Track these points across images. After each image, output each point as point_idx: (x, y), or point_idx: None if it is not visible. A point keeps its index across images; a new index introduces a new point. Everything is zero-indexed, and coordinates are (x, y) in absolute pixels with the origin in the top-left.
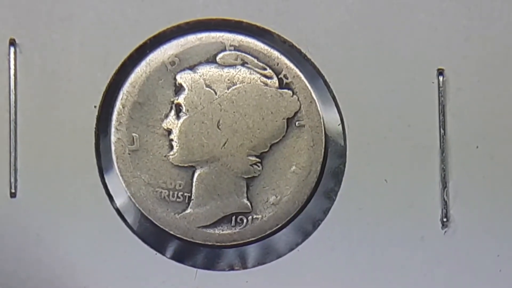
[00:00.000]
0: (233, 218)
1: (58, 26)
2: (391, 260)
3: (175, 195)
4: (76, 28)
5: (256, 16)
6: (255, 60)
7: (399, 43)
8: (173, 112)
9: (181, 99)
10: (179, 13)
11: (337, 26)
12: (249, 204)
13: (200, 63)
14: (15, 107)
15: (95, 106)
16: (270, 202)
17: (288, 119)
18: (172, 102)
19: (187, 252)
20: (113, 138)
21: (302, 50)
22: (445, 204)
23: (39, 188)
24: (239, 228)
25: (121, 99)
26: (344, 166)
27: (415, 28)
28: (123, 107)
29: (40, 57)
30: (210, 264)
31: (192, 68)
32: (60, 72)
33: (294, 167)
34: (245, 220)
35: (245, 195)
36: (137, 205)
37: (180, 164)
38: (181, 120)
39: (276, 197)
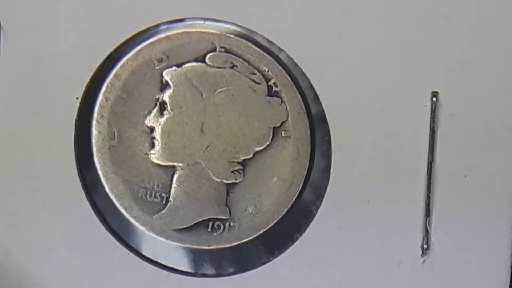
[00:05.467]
0: (210, 223)
1: (45, 12)
2: (366, 283)
3: (153, 195)
4: (63, 16)
5: (250, 20)
6: (245, 64)
7: (394, 62)
8: (156, 109)
9: (166, 97)
10: (171, 10)
11: (331, 41)
12: (227, 210)
13: (188, 62)
14: None
15: (77, 98)
16: (249, 211)
17: (274, 128)
18: (157, 99)
19: (161, 254)
20: (93, 131)
21: (294, 60)
22: (426, 232)
23: (13, 178)
24: (215, 234)
25: (105, 92)
26: (327, 182)
27: (411, 49)
28: (106, 100)
29: (24, 43)
30: (183, 268)
31: (179, 66)
32: (43, 60)
33: (276, 178)
34: (222, 227)
35: (224, 201)
36: (113, 201)
37: (160, 163)
38: (164, 119)
39: (256, 206)
